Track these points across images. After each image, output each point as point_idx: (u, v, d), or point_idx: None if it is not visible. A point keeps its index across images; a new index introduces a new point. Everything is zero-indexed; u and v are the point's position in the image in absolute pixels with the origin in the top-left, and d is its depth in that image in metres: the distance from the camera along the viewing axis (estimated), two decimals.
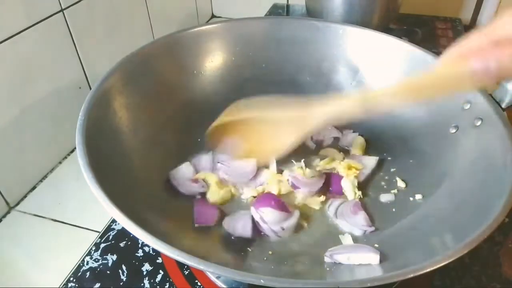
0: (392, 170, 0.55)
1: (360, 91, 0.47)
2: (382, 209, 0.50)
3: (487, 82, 0.36)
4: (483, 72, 0.34)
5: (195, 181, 0.52)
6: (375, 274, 0.39)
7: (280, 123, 0.52)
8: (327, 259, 0.43)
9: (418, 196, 0.50)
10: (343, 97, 0.47)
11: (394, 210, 0.50)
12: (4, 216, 0.59)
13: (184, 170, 0.53)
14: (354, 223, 0.48)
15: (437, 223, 0.44)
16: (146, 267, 0.49)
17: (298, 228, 0.48)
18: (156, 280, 0.48)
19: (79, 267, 0.50)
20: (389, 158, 0.56)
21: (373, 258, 0.41)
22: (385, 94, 0.44)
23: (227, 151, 0.54)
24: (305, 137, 0.53)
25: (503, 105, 0.47)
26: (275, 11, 1.04)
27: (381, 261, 0.41)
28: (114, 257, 0.51)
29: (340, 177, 0.53)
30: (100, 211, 0.38)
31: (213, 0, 1.10)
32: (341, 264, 0.42)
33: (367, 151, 0.58)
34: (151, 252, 0.51)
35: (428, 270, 0.33)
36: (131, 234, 0.35)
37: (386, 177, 0.54)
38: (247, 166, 0.53)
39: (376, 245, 0.44)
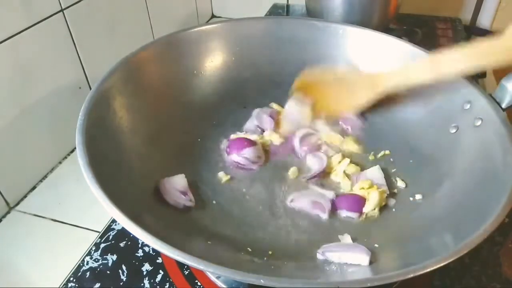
0: (392, 170, 0.55)
1: (430, 55, 0.50)
2: (382, 209, 0.50)
3: None
4: None
5: (184, 193, 0.49)
6: (375, 274, 0.39)
7: (352, 84, 0.57)
8: (319, 256, 0.43)
9: (418, 196, 0.50)
10: (413, 62, 0.51)
11: (394, 210, 0.50)
12: (4, 216, 0.59)
13: (176, 180, 0.50)
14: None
15: (437, 223, 0.44)
16: (146, 267, 0.49)
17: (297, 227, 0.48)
18: (156, 280, 0.48)
19: (79, 267, 0.50)
20: (390, 159, 0.56)
21: (364, 259, 0.41)
22: (456, 57, 0.46)
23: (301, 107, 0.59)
24: (376, 98, 0.56)
25: (503, 105, 0.47)
26: (275, 11, 1.04)
27: (380, 261, 0.41)
28: (114, 257, 0.51)
29: None
30: (100, 211, 0.38)
31: (213, 0, 1.10)
32: (344, 265, 0.42)
33: (367, 150, 0.58)
34: (151, 252, 0.51)
35: (428, 270, 0.33)
36: (131, 234, 0.35)
37: (386, 177, 0.54)
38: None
39: (376, 245, 0.44)
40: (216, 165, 0.56)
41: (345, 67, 0.60)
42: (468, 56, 0.46)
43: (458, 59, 0.47)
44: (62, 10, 0.62)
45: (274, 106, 0.63)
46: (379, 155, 0.57)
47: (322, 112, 0.60)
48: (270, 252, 0.45)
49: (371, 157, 0.57)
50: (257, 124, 0.60)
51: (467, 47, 0.46)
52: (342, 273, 0.41)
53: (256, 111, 0.62)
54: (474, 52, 0.46)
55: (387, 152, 0.57)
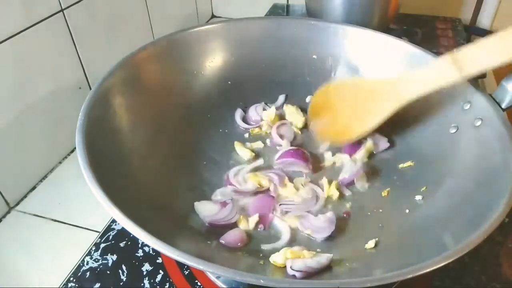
0: (392, 170, 0.55)
1: (449, 54, 0.43)
2: (382, 209, 0.50)
3: None
4: None
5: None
6: (375, 274, 0.39)
7: (373, 93, 0.51)
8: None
9: (418, 197, 0.50)
10: (433, 64, 0.45)
11: (394, 210, 0.50)
12: (4, 216, 0.59)
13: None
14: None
15: (437, 223, 0.44)
16: (146, 267, 0.49)
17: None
18: (156, 280, 0.48)
19: (79, 267, 0.50)
20: (390, 159, 0.56)
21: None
22: (480, 51, 0.41)
23: (318, 134, 0.56)
24: (399, 109, 0.51)
25: (503, 105, 0.47)
26: (275, 11, 1.04)
27: (380, 261, 0.41)
28: (114, 257, 0.51)
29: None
30: (100, 211, 0.38)
31: (213, 0, 1.10)
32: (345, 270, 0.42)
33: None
34: (151, 252, 0.51)
35: (428, 270, 0.33)
36: (131, 234, 0.35)
37: (386, 177, 0.54)
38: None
39: (376, 245, 0.44)
40: (216, 164, 0.56)
41: (360, 78, 0.56)
42: (493, 50, 0.41)
43: (482, 55, 0.41)
44: (62, 10, 0.62)
45: (274, 107, 0.63)
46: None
47: (337, 137, 0.55)
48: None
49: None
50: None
51: (489, 39, 0.41)
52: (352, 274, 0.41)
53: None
54: (498, 45, 0.41)
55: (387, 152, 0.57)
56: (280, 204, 0.50)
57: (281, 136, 0.59)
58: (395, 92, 0.49)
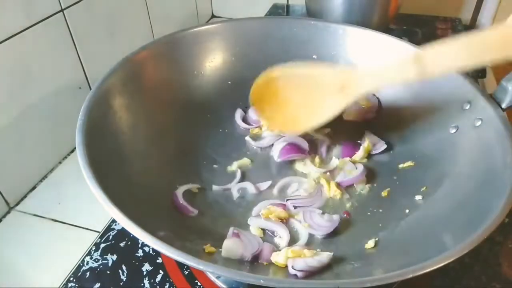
0: (392, 170, 0.55)
1: (415, 51, 0.41)
2: (382, 209, 0.50)
3: None
4: None
5: None
6: (375, 274, 0.39)
7: (323, 85, 0.46)
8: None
9: (418, 197, 0.50)
10: (395, 59, 0.42)
11: (394, 210, 0.50)
12: (4, 216, 0.59)
13: None
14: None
15: (437, 223, 0.44)
16: (146, 267, 0.49)
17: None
18: (156, 280, 0.48)
19: (79, 267, 0.50)
20: (390, 159, 0.56)
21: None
22: (445, 53, 0.39)
23: (265, 122, 0.53)
24: (351, 103, 0.47)
25: (503, 105, 0.47)
26: (275, 11, 1.04)
27: (380, 261, 0.41)
28: (114, 257, 0.51)
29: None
30: (100, 211, 0.38)
31: (213, 0, 1.10)
32: (347, 268, 0.42)
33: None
34: (151, 252, 0.51)
35: (428, 270, 0.33)
36: (131, 234, 0.35)
37: (386, 177, 0.54)
38: None
39: (376, 245, 0.44)
40: (216, 164, 0.56)
41: (310, 64, 0.49)
42: (460, 52, 0.38)
43: (447, 56, 0.38)
44: (62, 10, 0.62)
45: None
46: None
47: (284, 126, 0.52)
48: None
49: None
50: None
51: (458, 40, 0.38)
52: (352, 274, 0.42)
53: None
54: (466, 46, 0.37)
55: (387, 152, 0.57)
56: (287, 200, 0.51)
57: None
58: (349, 85, 0.45)
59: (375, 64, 0.44)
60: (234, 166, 0.56)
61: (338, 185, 0.53)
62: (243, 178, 0.55)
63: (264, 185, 0.53)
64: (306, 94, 0.49)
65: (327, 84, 0.47)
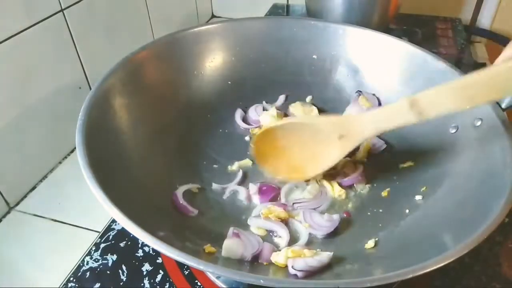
0: (392, 170, 0.55)
1: (409, 96, 0.42)
2: (382, 209, 0.50)
3: None
4: None
5: None
6: (375, 274, 0.39)
7: (322, 135, 0.48)
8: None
9: (418, 197, 0.50)
10: (391, 104, 0.44)
11: (394, 210, 0.50)
12: (4, 216, 0.59)
13: None
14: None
15: (437, 223, 0.44)
16: (146, 267, 0.49)
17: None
18: (156, 280, 0.48)
19: (79, 267, 0.50)
20: (390, 159, 0.56)
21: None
22: (438, 95, 0.41)
23: (269, 171, 0.53)
24: (351, 150, 0.49)
25: (503, 105, 0.47)
26: (275, 11, 1.04)
27: (380, 260, 0.41)
28: (114, 257, 0.51)
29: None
30: (100, 211, 0.38)
31: (213, 0, 1.10)
32: (348, 271, 0.42)
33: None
34: (151, 252, 0.51)
35: (428, 270, 0.33)
36: (131, 234, 0.35)
37: (386, 177, 0.54)
38: None
39: (376, 245, 0.44)
40: (216, 164, 0.56)
41: (304, 119, 0.51)
42: (452, 97, 0.41)
43: (440, 101, 0.41)
44: (62, 10, 0.62)
45: (273, 107, 0.63)
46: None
47: (288, 174, 0.52)
48: None
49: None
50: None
51: (450, 85, 0.41)
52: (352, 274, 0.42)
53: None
54: (458, 91, 0.40)
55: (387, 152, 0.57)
56: (294, 203, 0.51)
57: None
58: (347, 133, 0.47)
59: (372, 112, 0.46)
60: (235, 166, 0.56)
61: (341, 184, 0.53)
62: (244, 178, 0.55)
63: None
64: (306, 144, 0.51)
65: (326, 134, 0.48)
